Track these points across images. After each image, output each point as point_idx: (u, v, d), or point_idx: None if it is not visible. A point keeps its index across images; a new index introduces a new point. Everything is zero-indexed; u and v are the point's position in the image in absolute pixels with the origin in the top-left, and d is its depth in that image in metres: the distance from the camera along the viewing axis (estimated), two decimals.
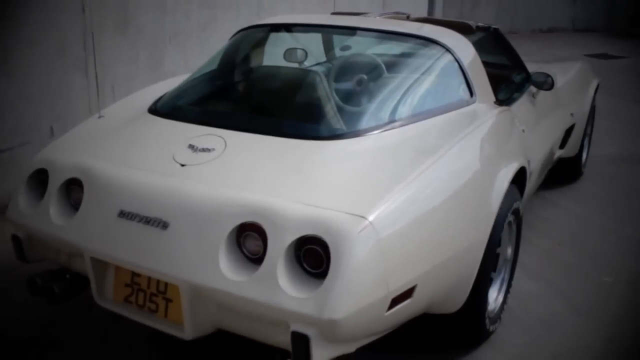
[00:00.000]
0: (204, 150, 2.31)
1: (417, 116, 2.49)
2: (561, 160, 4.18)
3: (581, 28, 13.19)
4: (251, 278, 1.92)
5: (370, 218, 1.91)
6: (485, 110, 2.72)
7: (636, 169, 5.05)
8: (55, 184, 2.37)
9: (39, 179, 2.47)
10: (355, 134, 2.36)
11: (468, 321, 2.50)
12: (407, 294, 2.03)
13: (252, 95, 2.68)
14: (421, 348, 2.69)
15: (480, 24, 3.46)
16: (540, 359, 2.66)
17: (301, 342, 1.85)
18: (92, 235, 2.21)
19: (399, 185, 2.07)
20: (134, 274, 2.21)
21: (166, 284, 2.14)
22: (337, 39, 3.45)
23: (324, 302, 1.82)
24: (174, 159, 2.30)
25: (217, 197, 2.07)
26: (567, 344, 2.75)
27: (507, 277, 2.84)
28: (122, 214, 2.16)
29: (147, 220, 2.10)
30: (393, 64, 2.81)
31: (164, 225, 2.07)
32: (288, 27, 3.23)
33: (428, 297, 2.15)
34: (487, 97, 2.84)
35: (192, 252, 2.01)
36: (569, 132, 4.10)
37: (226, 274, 1.95)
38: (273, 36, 3.20)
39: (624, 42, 11.70)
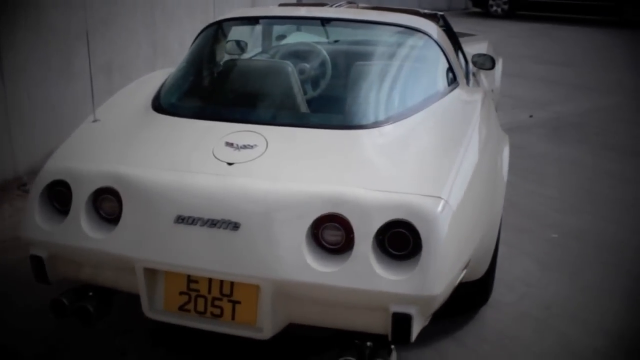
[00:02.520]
0: (245, 147, 2.28)
1: (429, 101, 2.63)
2: None
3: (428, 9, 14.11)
4: (343, 267, 1.96)
5: (445, 197, 2.03)
6: (470, 92, 2.93)
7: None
8: (82, 195, 2.21)
9: (55, 192, 2.29)
10: (388, 121, 2.45)
11: (486, 286, 2.71)
12: (467, 264, 2.19)
13: (272, 89, 2.65)
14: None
15: (426, 11, 3.67)
16: (537, 311, 2.95)
17: (403, 321, 1.94)
18: (146, 244, 2.10)
19: (451, 163, 2.20)
20: (190, 281, 2.14)
21: (231, 286, 2.10)
22: (317, 30, 3.47)
23: (423, 280, 1.91)
24: (217, 158, 2.24)
25: (289, 192, 2.06)
26: (550, 295, 3.07)
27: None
28: (181, 220, 2.08)
29: (214, 223, 2.05)
30: (387, 54, 2.93)
31: (235, 226, 2.03)
32: (272, 20, 3.23)
33: (473, 266, 2.32)
34: (462, 81, 3.05)
35: (273, 250, 2.00)
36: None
37: (315, 266, 1.97)
38: (254, 28, 3.18)
39: (469, 20, 12.78)
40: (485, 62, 3.74)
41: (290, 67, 2.64)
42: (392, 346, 2.09)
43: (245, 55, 3.50)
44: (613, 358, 2.64)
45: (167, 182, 2.16)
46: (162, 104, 2.69)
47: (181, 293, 2.16)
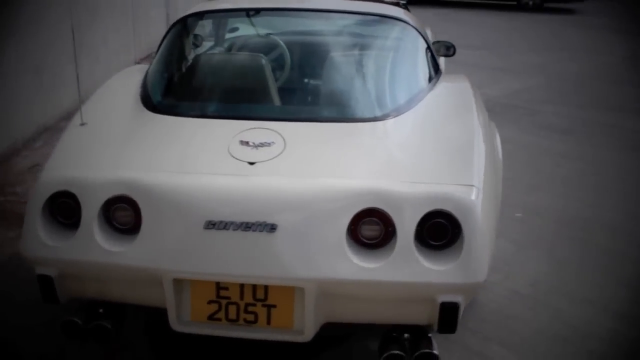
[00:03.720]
0: (262, 145, 2.20)
1: (426, 89, 2.66)
2: None
3: None
4: (388, 262, 1.95)
5: (476, 184, 2.07)
6: (456, 78, 2.98)
7: None
8: (92, 206, 2.06)
9: (58, 205, 2.12)
10: (398, 111, 2.45)
11: None
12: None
13: (276, 83, 2.57)
14: None
15: (388, 0, 3.69)
16: (524, 288, 3.07)
17: (451, 310, 1.96)
18: (175, 254, 2.00)
19: (471, 150, 2.24)
20: (220, 288, 2.05)
21: (266, 290, 2.04)
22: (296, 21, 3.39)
23: (468, 268, 1.95)
24: (236, 158, 2.15)
25: (325, 189, 2.02)
26: (532, 272, 3.21)
27: None
28: (211, 225, 1.98)
29: (248, 226, 1.97)
30: (379, 44, 2.92)
31: (272, 228, 1.97)
32: (247, 12, 3.11)
33: None
34: (442, 67, 3.10)
35: (314, 250, 1.96)
36: None
37: (359, 263, 1.95)
38: (230, 21, 3.08)
39: None
40: (449, 49, 3.81)
41: (291, 60, 2.58)
42: (430, 335, 2.11)
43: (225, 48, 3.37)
44: (604, 327, 2.79)
45: (190, 186, 2.06)
46: (157, 104, 2.56)
47: (210, 302, 2.07)
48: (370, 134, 2.34)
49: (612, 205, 4.02)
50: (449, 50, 3.86)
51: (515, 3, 13.97)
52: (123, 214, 2.09)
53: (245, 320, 2.07)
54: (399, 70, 2.75)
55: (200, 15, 3.04)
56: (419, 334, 2.11)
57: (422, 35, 2.95)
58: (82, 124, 2.43)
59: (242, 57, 2.91)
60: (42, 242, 2.07)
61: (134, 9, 7.30)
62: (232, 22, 3.32)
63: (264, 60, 2.58)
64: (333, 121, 2.40)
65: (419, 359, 2.00)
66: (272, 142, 2.22)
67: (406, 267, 1.94)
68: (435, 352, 2.01)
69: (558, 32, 11.17)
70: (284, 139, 2.24)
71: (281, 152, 2.18)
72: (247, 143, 2.22)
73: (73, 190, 2.09)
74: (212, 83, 2.69)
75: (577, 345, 2.66)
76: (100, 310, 2.19)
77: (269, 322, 2.06)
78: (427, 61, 2.86)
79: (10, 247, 3.23)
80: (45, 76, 5.01)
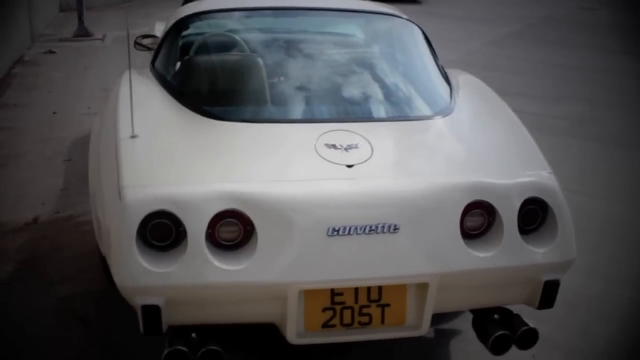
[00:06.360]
0: (350, 147, 2.22)
1: (450, 83, 2.82)
2: None
3: None
4: (500, 249, 2.09)
5: (550, 170, 2.27)
6: (457, 73, 3.16)
7: None
8: (199, 224, 1.95)
9: (152, 227, 1.98)
10: (450, 108, 2.60)
11: None
12: None
13: (342, 83, 2.57)
14: None
15: None
16: None
17: (553, 287, 2.16)
18: (301, 265, 1.98)
19: (529, 137, 2.45)
20: (335, 294, 2.07)
21: (379, 291, 2.08)
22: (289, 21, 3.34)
23: (565, 247, 2.15)
24: (332, 162, 2.15)
25: (435, 186, 2.11)
26: None
27: None
28: (335, 232, 1.98)
29: (372, 229, 2.00)
30: (402, 44, 3.02)
31: (395, 228, 2.01)
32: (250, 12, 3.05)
33: None
34: None
35: (434, 245, 2.04)
36: None
37: (477, 253, 2.07)
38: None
39: None
40: None
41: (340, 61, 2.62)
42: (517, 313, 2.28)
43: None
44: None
45: (302, 194, 2.03)
46: (215, 110, 2.44)
47: (325, 309, 2.08)
48: (439, 130, 2.46)
49: None
50: None
51: None
52: (230, 229, 2.01)
53: (360, 322, 2.10)
54: (434, 67, 2.89)
55: (208, 13, 2.96)
56: (506, 313, 2.28)
57: (423, 33, 3.10)
58: (133, 137, 2.26)
59: (299, 58, 2.86)
60: (146, 270, 1.93)
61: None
62: (258, 22, 3.22)
63: (323, 61, 2.59)
64: (400, 120, 2.50)
65: (523, 336, 2.17)
66: (358, 144, 2.25)
67: (516, 252, 2.10)
68: (535, 327, 2.19)
69: None
70: (367, 141, 2.28)
71: (372, 153, 2.22)
72: (334, 146, 2.23)
73: (171, 208, 1.96)
74: (274, 86, 2.62)
75: None
76: (193, 335, 2.10)
77: (383, 322, 2.11)
78: (436, 57, 3.02)
79: None
80: None
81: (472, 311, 2.32)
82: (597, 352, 2.68)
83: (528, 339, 2.16)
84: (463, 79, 2.98)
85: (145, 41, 3.83)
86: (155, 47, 3.28)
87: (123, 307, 2.79)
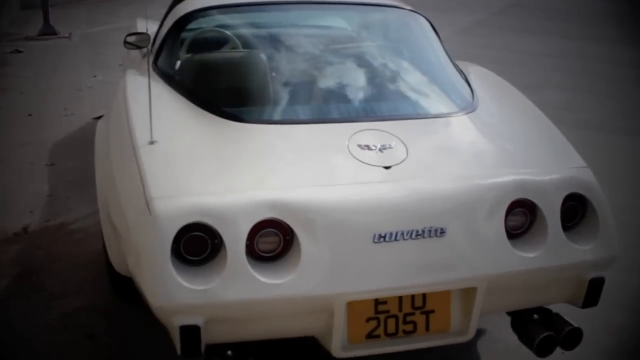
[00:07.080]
0: (384, 147, 2.13)
1: (465, 77, 2.76)
2: None
3: None
4: (545, 249, 2.02)
5: (586, 164, 2.23)
6: (462, 65, 3.10)
7: None
8: (238, 236, 1.83)
9: (186, 241, 1.86)
10: (476, 102, 2.52)
11: None
12: None
13: (364, 81, 2.45)
14: None
15: None
16: None
17: (598, 285, 2.11)
18: (349, 275, 1.88)
19: (558, 133, 2.40)
20: (378, 303, 1.98)
21: (423, 298, 2.00)
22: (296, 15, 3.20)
23: (608, 243, 2.11)
24: (369, 164, 2.06)
25: (478, 186, 2.03)
26: None
27: None
28: (381, 238, 1.89)
29: (418, 234, 1.91)
30: (419, 37, 2.94)
31: (441, 232, 1.93)
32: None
33: None
34: None
35: (481, 247, 1.97)
36: None
37: (523, 254, 2.01)
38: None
39: None
40: None
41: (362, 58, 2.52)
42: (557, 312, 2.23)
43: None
44: None
45: (345, 199, 1.93)
46: (235, 112, 2.30)
47: (368, 319, 1.99)
48: (467, 127, 2.37)
49: None
50: None
51: None
52: (270, 240, 1.89)
53: (404, 331, 2.02)
54: (449, 61, 2.81)
55: (212, 9, 2.82)
56: (546, 313, 2.22)
57: (431, 24, 3.02)
58: (152, 142, 2.12)
59: (319, 55, 2.74)
60: (184, 287, 1.79)
61: None
62: (268, 17, 3.08)
63: (343, 57, 2.49)
64: (429, 117, 2.42)
65: (568, 336, 2.12)
66: (391, 144, 2.16)
67: (562, 250, 2.05)
68: (579, 327, 2.14)
69: None
70: (399, 139, 2.18)
71: (407, 153, 2.13)
72: (367, 147, 2.12)
73: (207, 220, 1.83)
74: (296, 85, 2.49)
75: None
76: (229, 353, 1.98)
77: (427, 329, 2.03)
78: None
79: None
80: None
81: (510, 312, 2.26)
82: (622, 346, 2.66)
83: (573, 339, 2.12)
84: (475, 71, 2.92)
85: (134, 39, 3.66)
86: (144, 44, 3.11)
87: (132, 321, 2.69)
